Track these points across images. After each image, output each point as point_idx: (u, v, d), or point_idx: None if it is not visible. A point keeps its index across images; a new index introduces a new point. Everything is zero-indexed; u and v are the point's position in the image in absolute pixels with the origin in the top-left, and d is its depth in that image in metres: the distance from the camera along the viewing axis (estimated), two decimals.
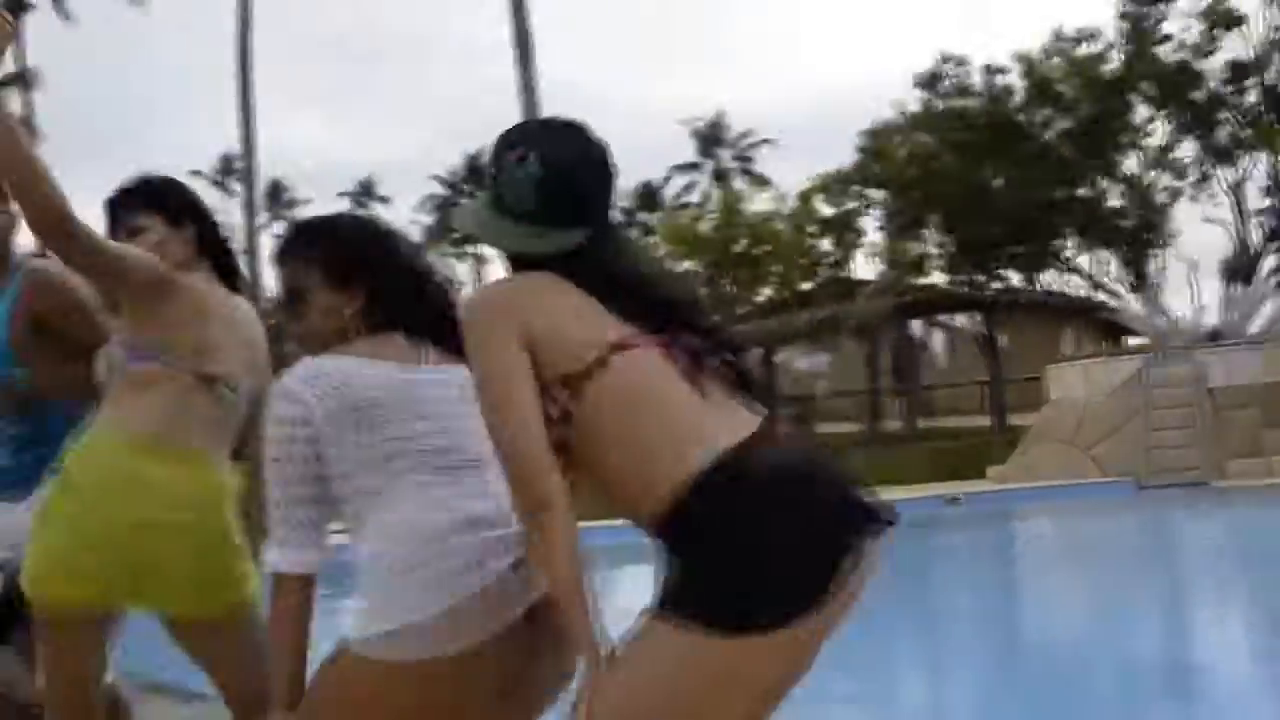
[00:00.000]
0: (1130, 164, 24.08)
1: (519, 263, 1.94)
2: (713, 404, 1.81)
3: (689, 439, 1.75)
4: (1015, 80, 24.05)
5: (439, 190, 28.26)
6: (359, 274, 2.19)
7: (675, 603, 1.70)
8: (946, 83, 24.60)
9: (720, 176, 31.35)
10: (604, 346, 1.80)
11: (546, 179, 1.87)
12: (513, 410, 1.79)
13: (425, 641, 1.97)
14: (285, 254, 2.26)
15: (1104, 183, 24.03)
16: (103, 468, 2.37)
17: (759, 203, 27.97)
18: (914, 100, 25.03)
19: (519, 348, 1.80)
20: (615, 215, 1.99)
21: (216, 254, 2.60)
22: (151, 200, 2.57)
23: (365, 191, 29.80)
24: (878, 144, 25.29)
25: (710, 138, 31.60)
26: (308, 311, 2.22)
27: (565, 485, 1.78)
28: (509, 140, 1.93)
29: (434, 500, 2.05)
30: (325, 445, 2.07)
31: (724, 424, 1.78)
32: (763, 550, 1.67)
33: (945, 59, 24.65)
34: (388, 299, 2.20)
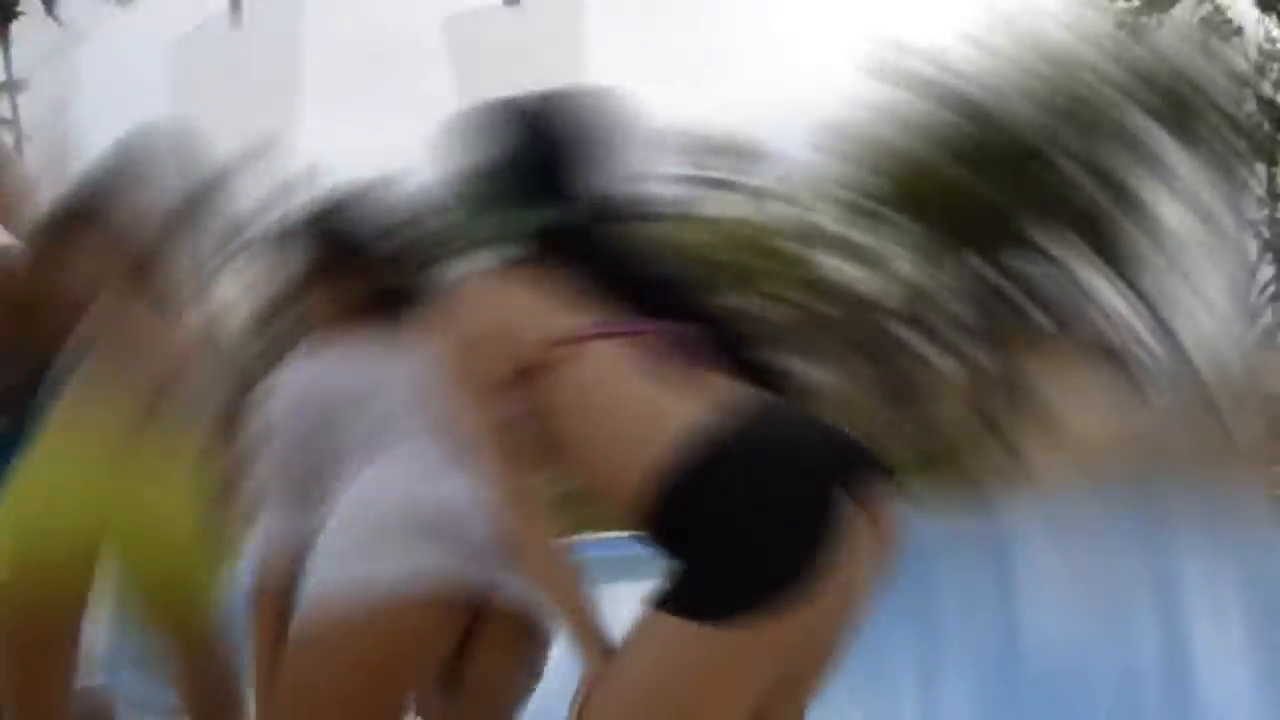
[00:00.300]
0: (1119, 170, 23.89)
1: (508, 246, 1.87)
2: (691, 386, 1.71)
3: (662, 426, 1.65)
4: (976, 68, 23.28)
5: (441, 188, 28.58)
6: (363, 263, 2.19)
7: (667, 594, 1.66)
8: (904, 75, 23.80)
9: (710, 186, 31.49)
10: (562, 338, 1.73)
11: (518, 158, 1.84)
12: (476, 410, 1.74)
13: (388, 584, 1.89)
14: (291, 241, 2.25)
15: (1090, 185, 23.72)
16: (54, 480, 2.36)
17: (748, 212, 27.97)
18: (873, 95, 24.15)
19: (479, 353, 1.75)
20: (610, 191, 1.89)
21: (158, 275, 2.58)
22: (94, 218, 2.53)
23: (375, 191, 30.08)
24: (851, 146, 24.83)
25: (699, 147, 31.72)
26: (311, 299, 2.21)
27: (535, 486, 1.74)
28: (481, 122, 1.89)
29: (406, 472, 2.00)
30: (314, 438, 2.06)
31: (701, 405, 1.67)
32: (750, 536, 1.58)
33: (899, 49, 23.70)
34: (390, 288, 2.19)
